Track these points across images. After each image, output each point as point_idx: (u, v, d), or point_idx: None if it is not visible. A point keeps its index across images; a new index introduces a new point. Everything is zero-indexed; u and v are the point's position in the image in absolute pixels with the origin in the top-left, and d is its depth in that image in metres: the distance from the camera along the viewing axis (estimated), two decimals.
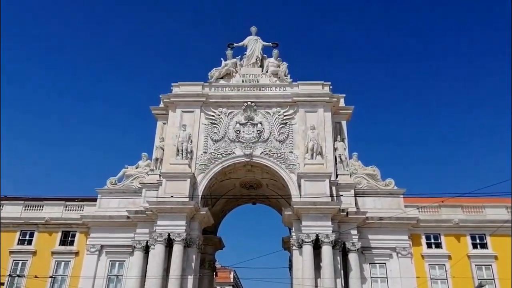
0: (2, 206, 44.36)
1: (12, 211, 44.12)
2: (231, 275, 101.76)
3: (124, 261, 41.47)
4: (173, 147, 44.12)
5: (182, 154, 43.49)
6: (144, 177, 44.27)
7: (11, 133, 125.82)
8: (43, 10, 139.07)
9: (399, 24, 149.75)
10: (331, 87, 47.19)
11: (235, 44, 51.63)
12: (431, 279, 39.86)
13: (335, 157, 43.88)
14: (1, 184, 56.47)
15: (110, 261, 41.74)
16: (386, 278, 39.81)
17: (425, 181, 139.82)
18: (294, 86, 47.25)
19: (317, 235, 38.33)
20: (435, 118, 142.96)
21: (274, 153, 43.68)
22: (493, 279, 39.81)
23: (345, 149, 44.66)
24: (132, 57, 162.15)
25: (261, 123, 45.07)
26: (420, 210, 42.47)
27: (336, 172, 43.12)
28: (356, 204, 41.76)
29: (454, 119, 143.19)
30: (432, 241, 41.89)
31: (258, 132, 44.63)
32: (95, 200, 44.19)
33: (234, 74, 49.23)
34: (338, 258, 38.71)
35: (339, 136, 45.37)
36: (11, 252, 42.58)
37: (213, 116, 45.88)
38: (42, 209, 44.78)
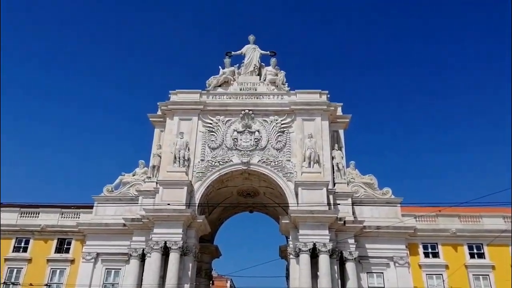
0: None
1: (8, 218, 43.72)
2: (228, 284, 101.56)
3: (120, 269, 41.24)
4: (170, 155, 44.08)
5: (179, 161, 43.43)
6: (141, 184, 44.21)
7: (8, 139, 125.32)
8: (40, 13, 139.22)
9: (397, 33, 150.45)
10: (328, 95, 47.30)
11: (233, 52, 51.86)
12: None
13: (333, 166, 43.92)
14: (0, 191, 55.89)
15: (106, 269, 41.48)
16: (384, 287, 39.76)
17: (423, 191, 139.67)
18: (291, 95, 47.39)
19: (314, 244, 38.22)
20: (433, 127, 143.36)
21: (271, 161, 43.68)
22: None
23: (342, 157, 44.71)
24: (130, 65, 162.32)
25: (258, 131, 45.10)
26: (417, 219, 42.39)
27: (334, 181, 43.13)
28: (353, 213, 41.70)
29: (452, 128, 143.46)
30: (430, 250, 41.88)
31: (256, 140, 44.63)
32: (91, 207, 44.02)
33: (232, 82, 49.42)
34: (335, 267, 38.61)
35: (336, 145, 45.41)
36: (6, 260, 42.22)
37: (211, 124, 45.92)
38: (38, 216, 44.51)
